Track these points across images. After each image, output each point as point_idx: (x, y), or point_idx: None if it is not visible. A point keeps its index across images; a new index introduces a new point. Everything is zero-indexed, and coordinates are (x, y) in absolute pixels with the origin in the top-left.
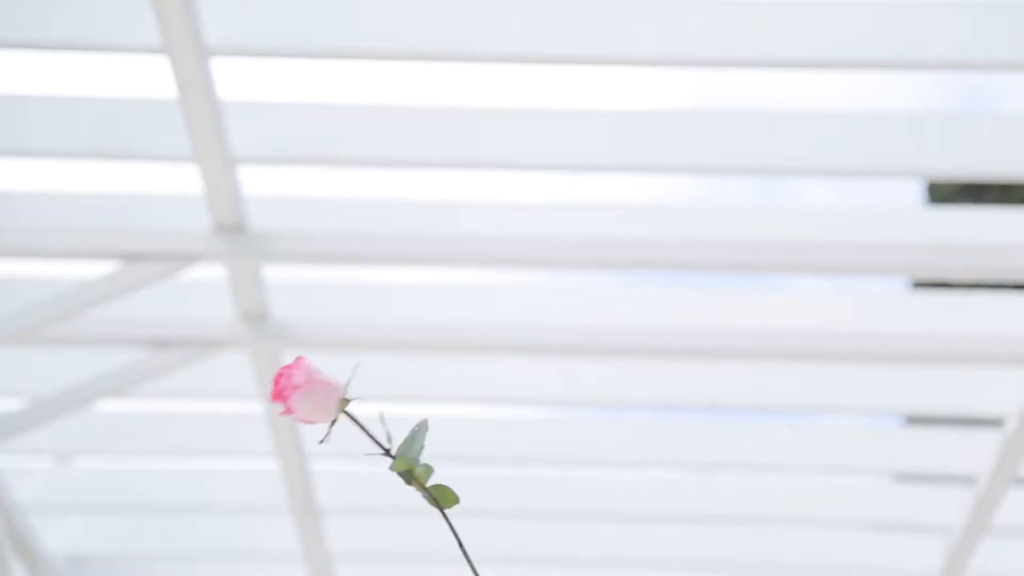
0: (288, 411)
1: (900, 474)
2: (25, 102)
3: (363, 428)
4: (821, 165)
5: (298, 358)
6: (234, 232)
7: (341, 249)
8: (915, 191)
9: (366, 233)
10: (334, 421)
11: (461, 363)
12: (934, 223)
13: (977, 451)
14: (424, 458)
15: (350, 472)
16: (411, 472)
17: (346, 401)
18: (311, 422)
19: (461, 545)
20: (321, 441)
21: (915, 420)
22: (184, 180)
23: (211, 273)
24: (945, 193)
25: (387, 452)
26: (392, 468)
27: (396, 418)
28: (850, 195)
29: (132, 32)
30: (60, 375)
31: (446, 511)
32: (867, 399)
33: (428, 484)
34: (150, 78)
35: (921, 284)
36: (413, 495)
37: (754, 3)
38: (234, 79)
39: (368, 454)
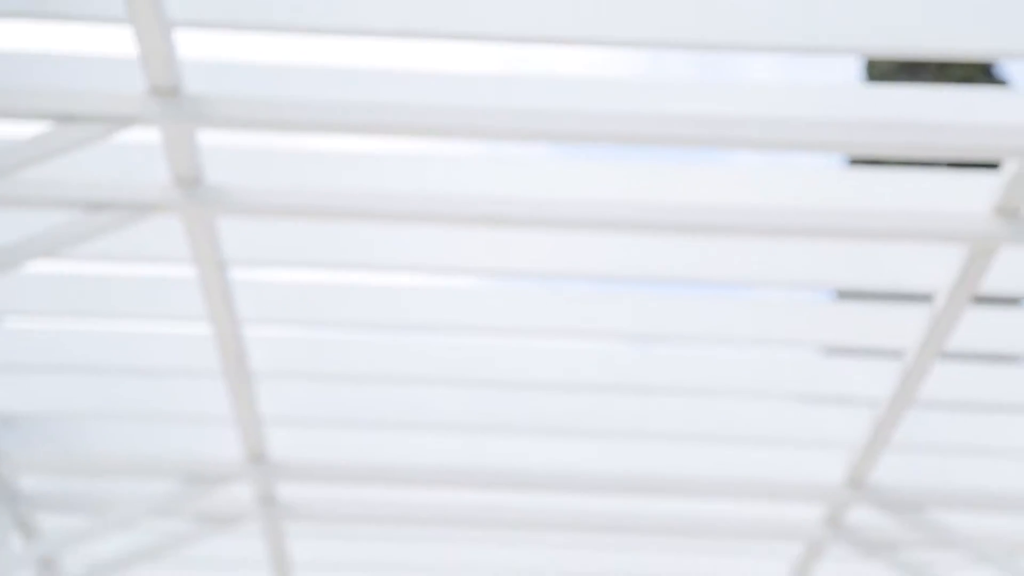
0: None
1: (829, 347)
2: None
3: None
4: (760, 41)
5: None
6: (169, 95)
7: (276, 115)
8: (853, 69)
9: (302, 100)
10: None
11: (395, 231)
12: (871, 100)
13: (905, 325)
14: (357, 325)
15: (284, 337)
16: None
17: None
18: None
19: None
20: None
21: (846, 294)
22: (120, 42)
23: (146, 136)
24: (883, 71)
25: None
26: None
27: (330, 286)
28: (789, 71)
29: None
30: None
31: None
32: (799, 273)
33: None
34: None
35: (857, 161)
36: (348, 361)
37: None
38: None
39: None
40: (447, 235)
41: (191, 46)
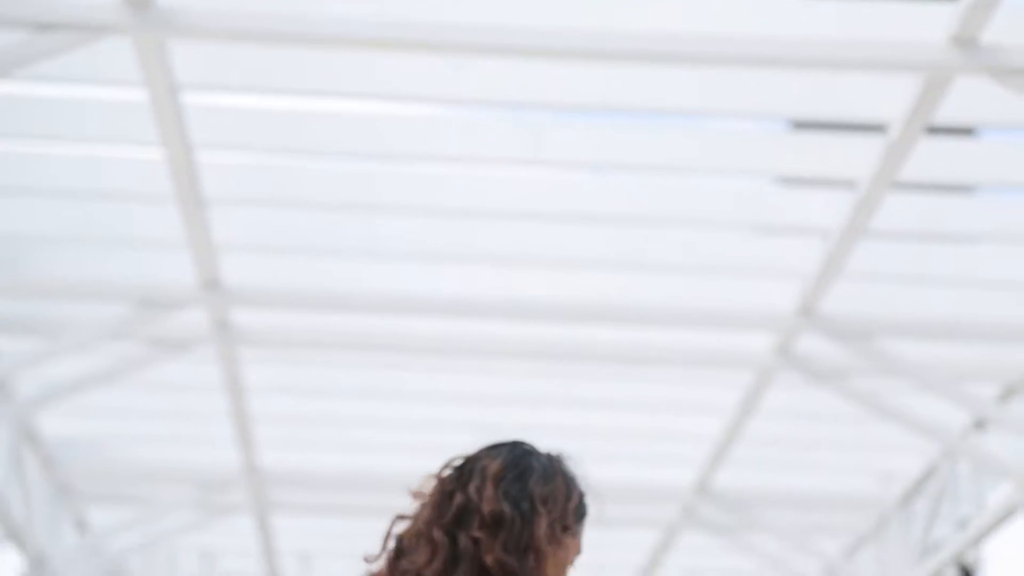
0: None
1: (783, 177)
2: None
3: None
4: None
5: None
6: None
7: None
8: None
9: None
10: None
11: (352, 59)
12: None
13: (859, 155)
14: (312, 152)
15: (238, 163)
16: None
17: None
18: None
19: None
20: None
21: (800, 124)
22: None
23: None
24: None
25: None
26: None
27: (285, 113)
28: None
29: None
30: None
31: None
32: (754, 103)
33: None
34: None
35: None
36: (303, 188)
37: None
38: None
39: None
40: (404, 63)
41: None
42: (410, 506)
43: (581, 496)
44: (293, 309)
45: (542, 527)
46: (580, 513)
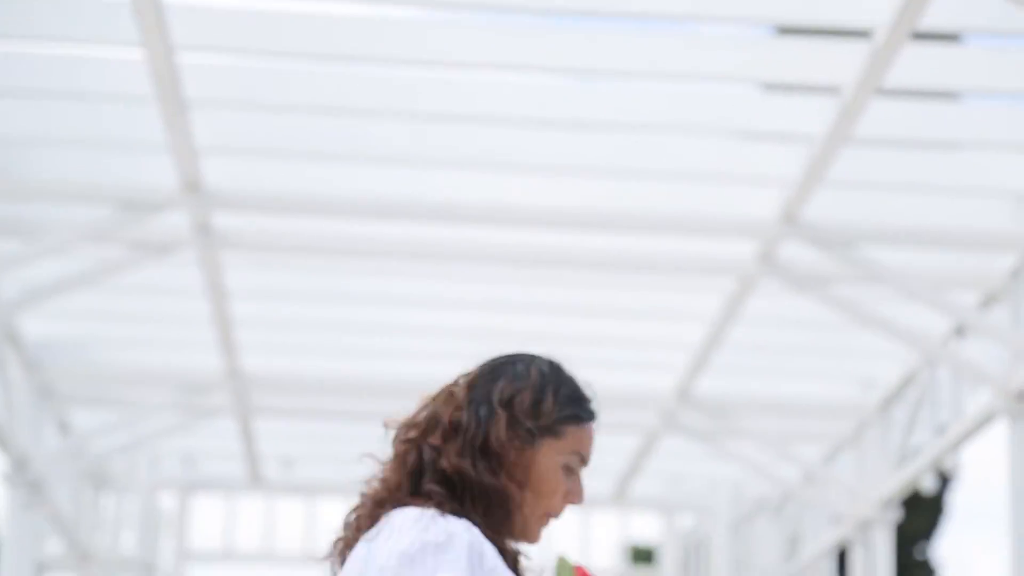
0: None
1: (767, 83)
2: None
3: None
4: None
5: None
6: None
7: None
8: None
9: None
10: None
11: None
12: None
13: (844, 62)
14: (296, 54)
15: (219, 65)
16: None
17: None
18: None
19: None
20: None
21: (785, 30)
22: None
23: None
24: None
25: None
26: None
27: (268, 14)
28: None
29: None
30: None
31: None
32: (740, 8)
33: None
34: None
35: None
36: (286, 91)
37: None
38: None
39: None
40: None
41: None
42: (400, 410)
43: (563, 399)
44: (275, 213)
45: (500, 429)
46: (558, 416)
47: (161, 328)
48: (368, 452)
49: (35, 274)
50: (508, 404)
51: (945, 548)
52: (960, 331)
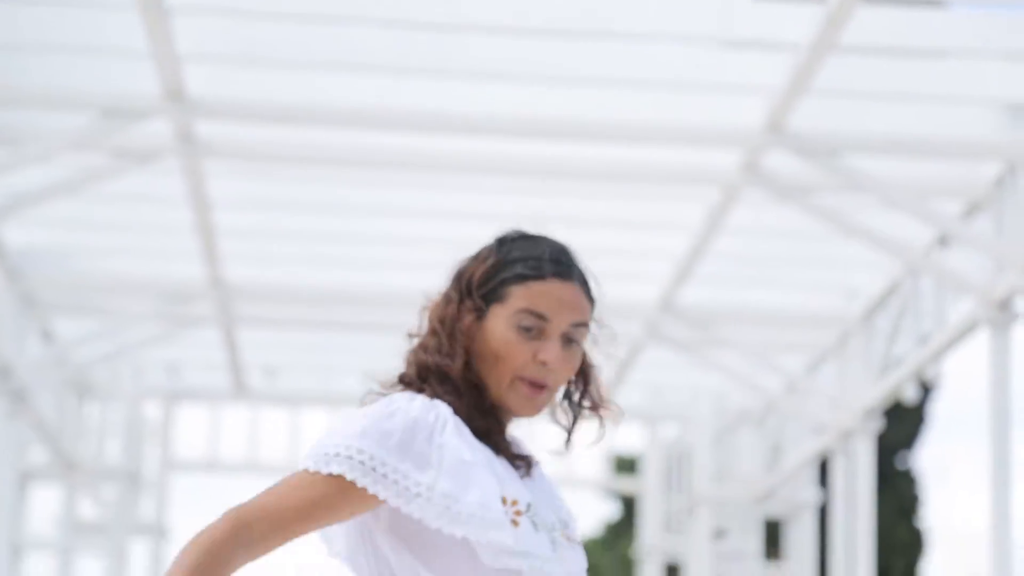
0: None
1: None
2: None
3: None
4: None
5: None
6: None
7: None
8: None
9: None
10: None
11: None
12: None
13: None
14: None
15: None
16: None
17: None
18: None
19: None
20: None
21: None
22: None
23: None
24: None
25: None
26: None
27: None
28: None
29: None
30: None
31: None
32: None
33: None
34: None
35: None
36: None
37: None
38: None
39: None
40: None
41: None
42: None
43: (508, 261)
44: (259, 121)
45: (455, 310)
46: (501, 279)
47: (144, 237)
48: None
49: (17, 182)
50: (460, 282)
51: (926, 457)
52: (943, 241)
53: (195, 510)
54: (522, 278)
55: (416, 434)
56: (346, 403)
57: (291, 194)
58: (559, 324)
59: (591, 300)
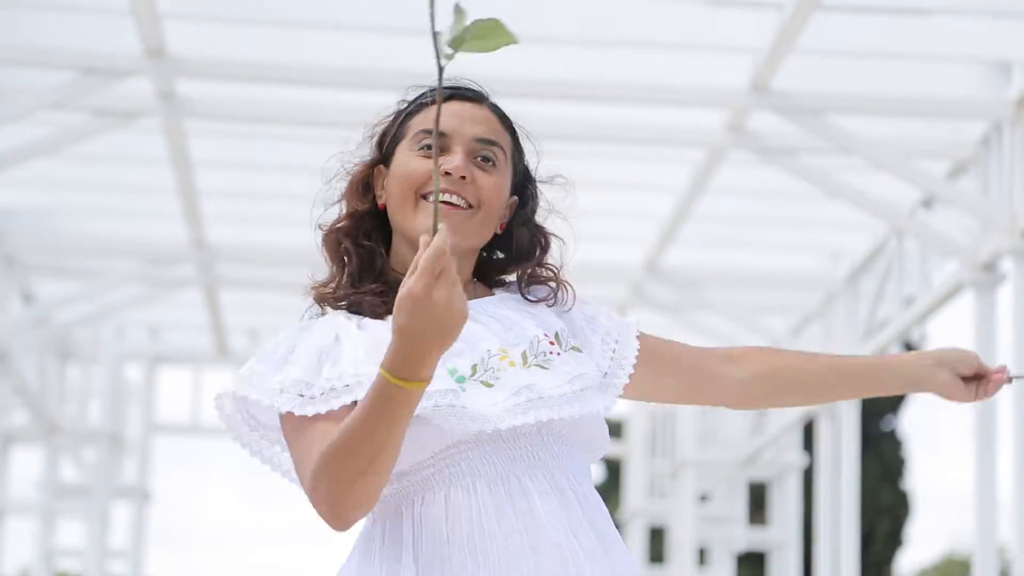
0: None
1: None
2: None
3: None
4: None
5: None
6: None
7: None
8: None
9: None
10: None
11: None
12: None
13: None
14: None
15: None
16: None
17: None
18: None
19: None
20: None
21: None
22: None
23: None
24: None
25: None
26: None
27: None
28: None
29: None
30: None
31: None
32: None
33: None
34: None
35: None
36: None
37: None
38: None
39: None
40: None
41: None
42: None
43: (407, 104)
44: (241, 81)
45: (371, 172)
46: (401, 121)
47: (125, 198)
48: None
49: None
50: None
51: (910, 420)
52: (928, 202)
53: (177, 472)
54: (419, 107)
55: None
56: None
57: (274, 155)
58: (461, 139)
59: (509, 129)
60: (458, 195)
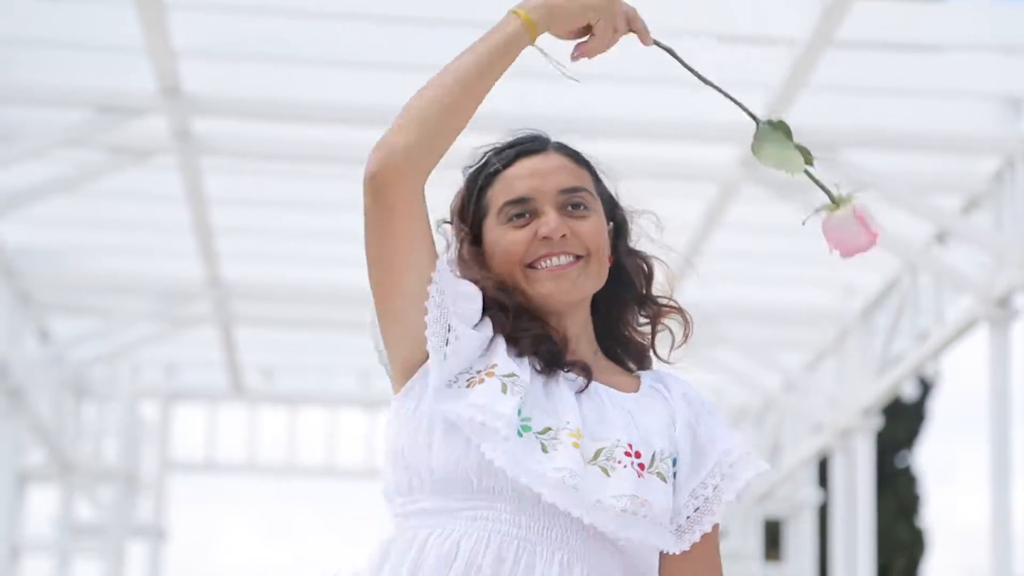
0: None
1: None
2: None
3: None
4: None
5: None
6: None
7: None
8: None
9: None
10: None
11: None
12: None
13: None
14: None
15: None
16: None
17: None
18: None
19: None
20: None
21: None
22: None
23: None
24: None
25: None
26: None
27: None
28: None
29: None
30: None
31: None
32: None
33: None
34: None
35: None
36: None
37: None
38: None
39: None
40: None
41: None
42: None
43: (473, 176)
44: (256, 118)
45: (454, 250)
46: (476, 196)
47: (141, 235)
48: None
49: (13, 179)
50: (452, 221)
51: (926, 455)
52: (942, 237)
53: (193, 510)
54: (492, 177)
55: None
56: (344, 403)
57: (289, 192)
58: (546, 197)
59: (584, 164)
60: (564, 254)
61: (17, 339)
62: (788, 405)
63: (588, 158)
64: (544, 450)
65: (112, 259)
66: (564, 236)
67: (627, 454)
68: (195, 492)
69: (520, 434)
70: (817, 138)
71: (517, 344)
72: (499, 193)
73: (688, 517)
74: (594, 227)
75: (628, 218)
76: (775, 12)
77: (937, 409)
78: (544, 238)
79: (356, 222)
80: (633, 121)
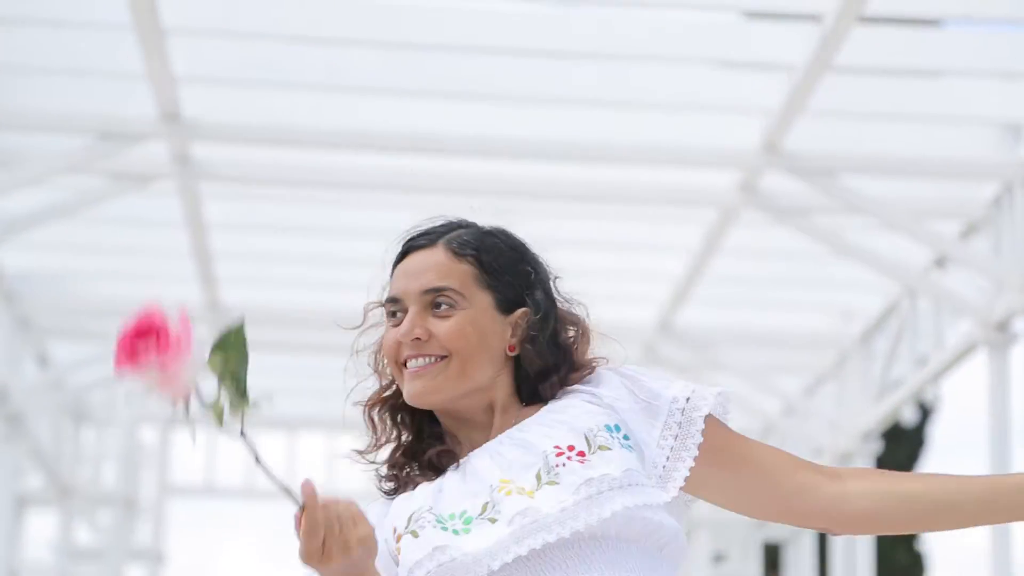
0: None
1: (749, 11)
2: None
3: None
4: None
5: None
6: None
7: None
8: None
9: None
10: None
11: None
12: None
13: None
14: None
15: None
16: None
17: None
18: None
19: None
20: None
21: None
22: None
23: None
24: None
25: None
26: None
27: None
28: None
29: None
30: None
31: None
32: None
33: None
34: None
35: None
36: (265, 19)
37: None
38: None
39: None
40: None
41: None
42: None
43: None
44: (256, 144)
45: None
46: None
47: (140, 260)
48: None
49: (13, 205)
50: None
51: None
52: (941, 262)
53: (192, 535)
54: (393, 270)
55: None
56: (343, 428)
57: (289, 217)
58: (411, 297)
59: (470, 258)
60: (422, 356)
61: (16, 364)
62: (788, 429)
63: (495, 240)
64: (493, 521)
65: (112, 284)
66: (418, 338)
67: (560, 453)
68: (194, 516)
69: (467, 529)
70: (816, 163)
71: (415, 458)
72: (387, 290)
73: (664, 466)
74: (455, 327)
75: (542, 300)
76: (774, 37)
77: (937, 433)
78: (398, 344)
79: (356, 247)
80: (632, 146)
